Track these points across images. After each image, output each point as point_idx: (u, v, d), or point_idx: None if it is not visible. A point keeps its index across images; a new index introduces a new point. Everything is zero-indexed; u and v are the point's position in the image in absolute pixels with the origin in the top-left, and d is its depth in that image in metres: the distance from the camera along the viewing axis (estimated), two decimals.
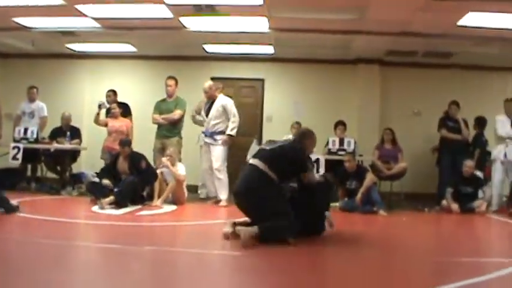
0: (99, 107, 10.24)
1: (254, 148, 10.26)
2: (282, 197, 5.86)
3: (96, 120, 10.31)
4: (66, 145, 10.51)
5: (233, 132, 9.33)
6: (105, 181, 8.72)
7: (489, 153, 10.34)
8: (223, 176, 9.29)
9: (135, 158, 8.89)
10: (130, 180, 8.54)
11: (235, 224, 5.83)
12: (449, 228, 8.55)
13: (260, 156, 5.94)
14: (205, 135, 9.43)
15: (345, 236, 6.39)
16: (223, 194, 9.24)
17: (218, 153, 9.31)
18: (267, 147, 6.13)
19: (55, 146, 10.53)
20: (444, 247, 6.28)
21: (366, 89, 11.75)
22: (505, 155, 9.78)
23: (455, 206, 9.30)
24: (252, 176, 5.89)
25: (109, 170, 9.07)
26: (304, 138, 6.30)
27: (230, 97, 9.78)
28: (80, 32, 10.27)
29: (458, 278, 4.22)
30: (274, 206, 5.66)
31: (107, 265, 4.68)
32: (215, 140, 9.32)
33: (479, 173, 9.96)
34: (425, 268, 4.92)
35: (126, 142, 9.05)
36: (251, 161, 6.01)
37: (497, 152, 9.86)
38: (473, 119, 10.71)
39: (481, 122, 10.68)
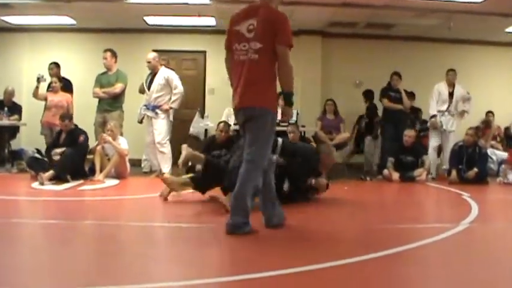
0: (38, 80, 9.96)
1: (197, 120, 10.24)
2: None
3: (35, 94, 10.07)
4: (4, 121, 10.24)
5: (174, 105, 9.25)
6: (55, 152, 8.66)
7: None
8: (166, 150, 9.24)
9: (76, 132, 8.83)
10: (68, 152, 8.44)
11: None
12: (389, 196, 8.73)
13: None
14: (147, 109, 9.32)
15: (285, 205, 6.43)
16: (166, 167, 9.22)
17: (160, 127, 9.23)
18: None
19: None
20: (383, 215, 6.42)
21: (308, 60, 11.77)
22: (441, 124, 10.09)
23: (396, 175, 9.51)
24: None
25: (54, 145, 8.96)
26: None
27: (172, 69, 9.68)
28: (16, 3, 9.95)
29: (395, 244, 4.32)
30: None
31: (48, 240, 4.63)
32: (157, 113, 9.24)
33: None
34: (363, 235, 5.03)
35: (66, 116, 8.95)
36: None
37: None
38: (414, 89, 10.96)
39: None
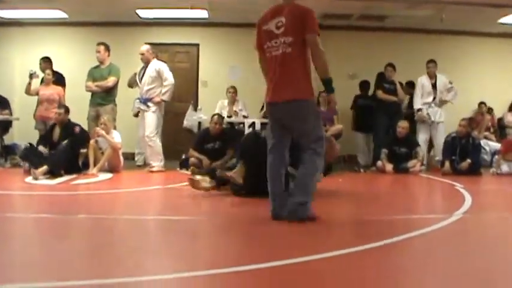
0: (30, 76, 9.91)
1: (190, 113, 10.21)
2: None
3: (27, 91, 10.02)
4: None
5: (165, 97, 9.23)
6: (41, 147, 8.61)
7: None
8: (154, 143, 9.21)
9: (71, 125, 8.83)
10: (63, 146, 8.42)
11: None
12: (383, 187, 8.73)
13: None
14: (140, 101, 9.30)
15: None
16: (155, 161, 9.23)
17: (150, 120, 9.21)
18: None
19: None
20: (377, 206, 6.42)
21: None
22: (429, 116, 10.13)
23: (389, 167, 9.53)
24: None
25: (46, 138, 8.93)
26: None
27: (164, 62, 9.65)
28: None
29: (390, 234, 4.32)
30: None
31: (41, 235, 4.59)
32: (148, 106, 9.21)
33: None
34: (359, 226, 5.02)
35: (63, 106, 9.06)
36: None
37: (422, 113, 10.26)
38: (407, 80, 10.98)
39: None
